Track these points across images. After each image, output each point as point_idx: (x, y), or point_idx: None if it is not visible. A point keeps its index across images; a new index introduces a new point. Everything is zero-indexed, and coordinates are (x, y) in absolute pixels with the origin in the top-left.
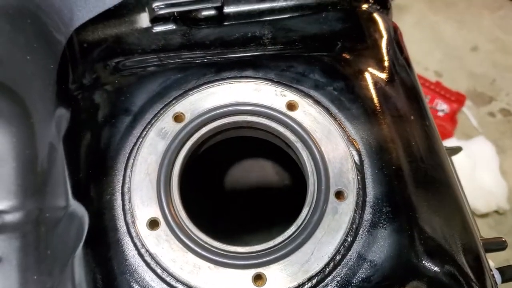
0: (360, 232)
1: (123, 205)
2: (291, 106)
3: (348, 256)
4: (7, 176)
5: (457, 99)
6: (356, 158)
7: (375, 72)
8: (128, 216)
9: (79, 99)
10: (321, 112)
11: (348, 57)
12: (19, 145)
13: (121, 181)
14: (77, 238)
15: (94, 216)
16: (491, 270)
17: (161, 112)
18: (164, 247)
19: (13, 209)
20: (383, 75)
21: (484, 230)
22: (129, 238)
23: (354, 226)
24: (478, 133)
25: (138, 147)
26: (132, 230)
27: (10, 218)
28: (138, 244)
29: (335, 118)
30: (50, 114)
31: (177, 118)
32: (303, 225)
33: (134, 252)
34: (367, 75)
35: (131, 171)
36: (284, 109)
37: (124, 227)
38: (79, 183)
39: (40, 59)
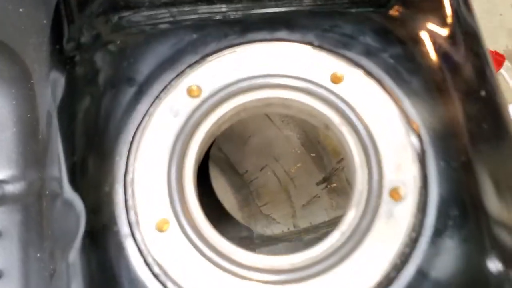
0: (420, 242)
1: (126, 200)
2: (336, 78)
3: (405, 273)
4: (7, 143)
5: (495, 60)
6: (417, 146)
7: (438, 32)
8: (132, 214)
9: (75, 62)
10: (373, 87)
11: (407, 14)
12: (19, 109)
13: (123, 170)
14: (75, 230)
15: (92, 211)
16: None
17: (172, 83)
18: (177, 255)
19: (14, 179)
20: (448, 38)
21: None
22: (133, 242)
23: (413, 234)
24: None
25: (144, 127)
26: (137, 232)
27: (11, 188)
28: (144, 250)
29: (391, 95)
30: (46, 78)
31: (192, 92)
32: (349, 231)
33: (140, 261)
34: (429, 38)
35: (135, 157)
36: (326, 82)
37: (127, 228)
38: (74, 168)
39: (33, 11)
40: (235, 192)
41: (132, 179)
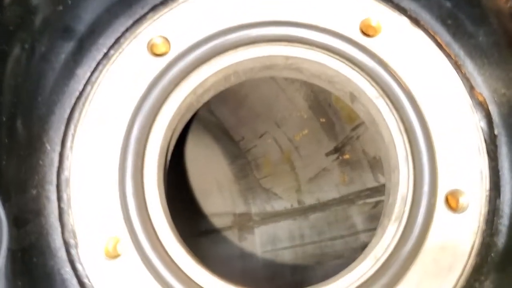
0: (487, 271)
1: (60, 209)
2: (369, 28)
3: None
4: None
5: None
6: (485, 129)
7: None
8: (69, 232)
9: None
10: (423, 42)
11: None
12: None
13: (55, 164)
14: None
15: (15, 224)
16: None
17: (127, 35)
18: None
19: None
20: None
21: None
22: (71, 271)
23: (477, 260)
24: None
25: (85, 102)
26: (76, 259)
27: None
28: (87, 283)
29: (448, 54)
30: None
31: (156, 47)
32: (384, 257)
33: None
34: None
35: (71, 145)
36: (355, 33)
37: (63, 251)
38: None
39: None
40: (230, 162)
41: (68, 179)
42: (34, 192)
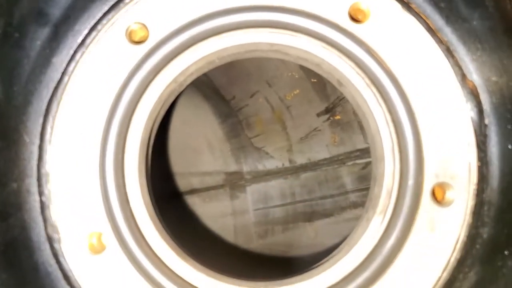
0: (471, 263)
1: (42, 203)
2: (358, 13)
3: None
4: None
5: None
6: (475, 119)
7: None
8: (51, 226)
9: None
10: (414, 27)
11: None
12: None
13: (35, 157)
14: None
15: None
16: None
17: (104, 22)
18: (118, 286)
19: None
20: None
21: None
22: (55, 265)
23: (462, 252)
24: None
25: (63, 93)
26: (59, 252)
27: None
28: (72, 277)
29: (440, 40)
30: None
31: (134, 34)
32: (370, 250)
33: None
34: None
35: (50, 138)
36: (344, 18)
37: (46, 245)
38: None
39: None
40: (221, 121)
41: (48, 173)
42: (15, 185)
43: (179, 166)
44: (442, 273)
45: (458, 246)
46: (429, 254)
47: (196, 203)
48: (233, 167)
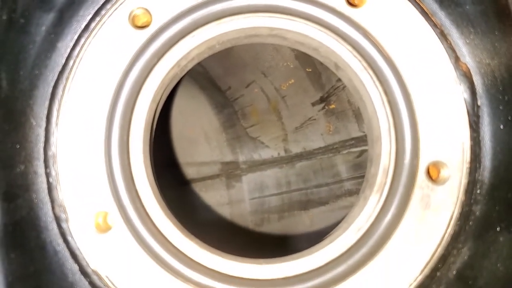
0: (465, 239)
1: (49, 184)
2: None
3: (443, 281)
4: None
5: None
6: (468, 100)
7: None
8: (59, 207)
9: None
10: (409, 11)
11: None
12: None
13: (42, 139)
14: None
15: (5, 199)
16: None
17: (107, 6)
18: (125, 263)
19: None
20: None
21: None
22: (63, 243)
23: (456, 228)
24: None
25: (69, 77)
26: (67, 232)
27: None
28: (79, 255)
29: (434, 24)
30: None
31: (137, 19)
32: (366, 226)
33: (74, 268)
34: None
35: (57, 120)
36: (341, 3)
37: (54, 225)
38: None
39: None
40: (217, 111)
41: (55, 154)
42: (22, 167)
43: (176, 156)
44: (437, 248)
45: (452, 222)
46: (424, 230)
47: (193, 193)
48: (229, 157)
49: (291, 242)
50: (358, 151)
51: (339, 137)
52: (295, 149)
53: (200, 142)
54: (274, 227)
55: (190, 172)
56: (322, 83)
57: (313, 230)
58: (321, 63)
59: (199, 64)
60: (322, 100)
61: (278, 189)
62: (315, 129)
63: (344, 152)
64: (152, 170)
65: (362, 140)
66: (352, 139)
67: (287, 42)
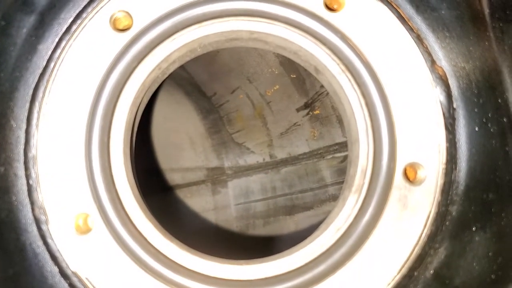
0: (441, 239)
1: (29, 186)
2: (334, 2)
3: (420, 280)
4: None
5: None
6: (444, 103)
7: None
8: (39, 208)
9: None
10: (386, 16)
11: None
12: None
13: (22, 142)
14: None
15: None
16: None
17: (89, 10)
18: (105, 265)
19: None
20: None
21: None
22: (43, 246)
23: (433, 228)
24: None
25: (49, 79)
26: (47, 235)
27: None
28: (59, 257)
29: (410, 28)
30: None
31: (118, 22)
32: (346, 227)
33: (53, 270)
34: None
35: (37, 122)
36: (319, 7)
37: (34, 227)
38: None
39: None
40: (202, 117)
41: (35, 156)
42: (2, 169)
43: (161, 162)
44: (414, 248)
45: (429, 222)
46: (402, 230)
47: (178, 199)
48: (214, 163)
49: (276, 247)
50: (342, 156)
51: (323, 142)
52: (280, 154)
53: (185, 148)
54: (259, 232)
55: (175, 178)
56: (306, 89)
57: (298, 235)
58: (305, 69)
59: (184, 69)
60: (306, 106)
61: (263, 194)
62: (300, 134)
63: (329, 157)
64: (133, 172)
65: (345, 145)
66: (336, 144)
67: (269, 47)
